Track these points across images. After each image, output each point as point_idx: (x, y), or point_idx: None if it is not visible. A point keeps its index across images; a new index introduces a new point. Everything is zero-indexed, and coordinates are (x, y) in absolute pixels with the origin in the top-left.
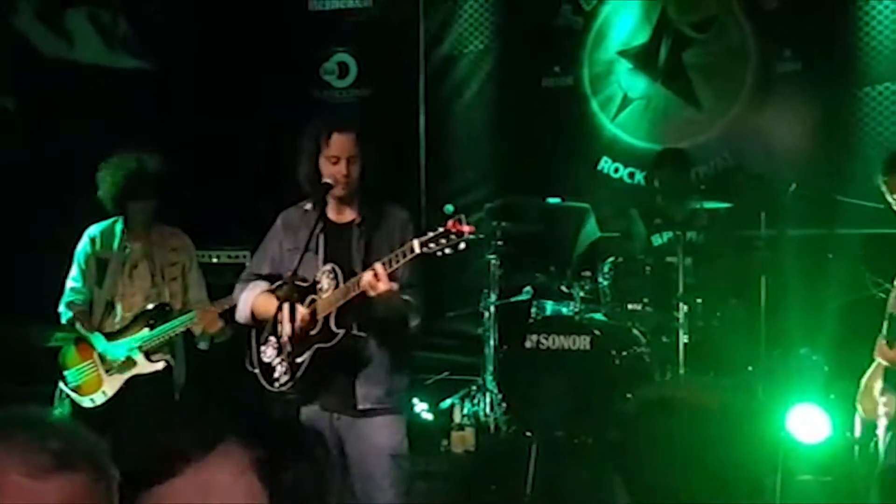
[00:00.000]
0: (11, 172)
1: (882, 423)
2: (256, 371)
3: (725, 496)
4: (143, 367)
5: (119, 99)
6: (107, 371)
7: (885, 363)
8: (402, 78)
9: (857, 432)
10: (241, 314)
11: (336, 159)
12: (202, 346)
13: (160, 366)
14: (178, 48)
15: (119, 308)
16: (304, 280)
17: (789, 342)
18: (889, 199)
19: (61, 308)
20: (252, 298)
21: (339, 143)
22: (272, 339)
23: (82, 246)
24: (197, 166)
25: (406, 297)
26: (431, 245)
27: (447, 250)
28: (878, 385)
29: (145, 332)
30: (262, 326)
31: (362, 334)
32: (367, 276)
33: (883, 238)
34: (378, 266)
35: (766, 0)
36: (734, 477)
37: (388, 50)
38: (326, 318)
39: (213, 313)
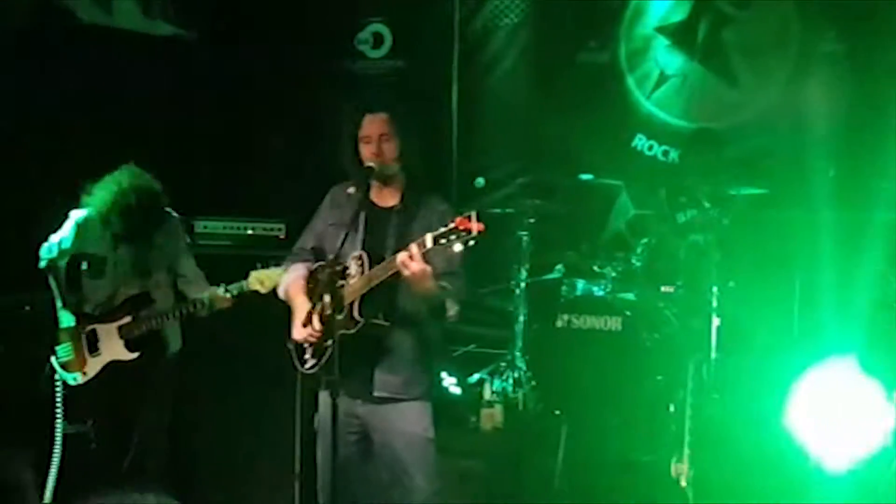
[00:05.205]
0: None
1: None
2: (291, 349)
3: None
4: (122, 354)
5: (155, 66)
6: (90, 352)
7: None
8: (436, 49)
9: None
10: (282, 293)
11: (368, 139)
12: (203, 313)
13: (135, 355)
14: (214, 16)
15: (116, 300)
16: (340, 263)
17: (822, 328)
18: None
19: (42, 253)
20: (290, 280)
21: (370, 124)
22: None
23: (71, 230)
24: (231, 138)
25: (443, 283)
26: (442, 241)
27: (457, 246)
28: None
29: (126, 319)
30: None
31: (384, 323)
32: (402, 255)
33: None
34: (413, 246)
35: None
36: None
37: (423, 21)
38: (352, 305)
39: (228, 300)
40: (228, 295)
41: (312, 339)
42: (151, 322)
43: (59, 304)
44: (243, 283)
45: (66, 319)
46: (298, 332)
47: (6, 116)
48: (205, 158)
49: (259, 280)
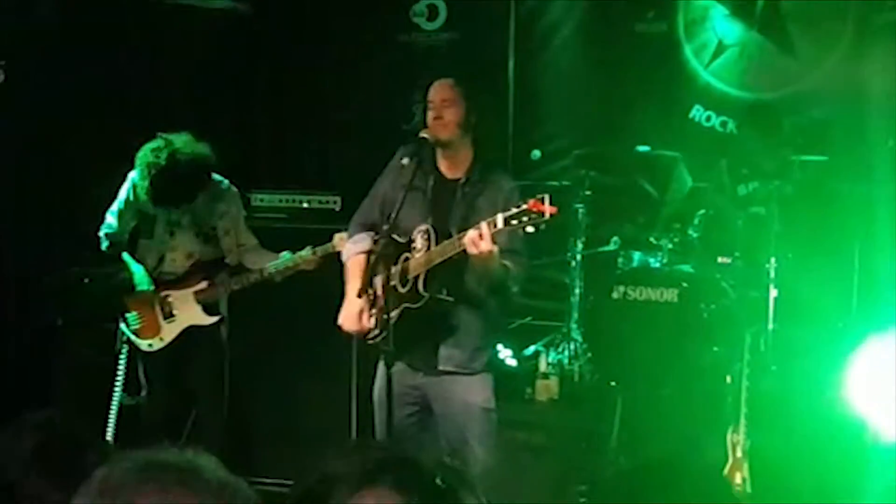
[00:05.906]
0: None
1: None
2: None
3: None
4: (200, 318)
5: (211, 39)
6: (165, 318)
7: None
8: (492, 21)
9: None
10: (344, 258)
11: (431, 105)
12: (277, 279)
13: (216, 318)
14: None
15: (168, 260)
16: (405, 234)
17: (881, 299)
18: None
19: (102, 234)
20: (354, 251)
21: (434, 90)
22: (369, 291)
23: (126, 191)
24: (285, 110)
25: (506, 262)
26: (513, 222)
27: (529, 228)
28: None
29: (203, 285)
30: None
31: (449, 299)
32: (472, 233)
33: None
34: (484, 225)
35: None
36: None
37: None
38: (416, 279)
39: (314, 262)
40: (315, 256)
41: (358, 329)
42: (228, 287)
43: (136, 275)
44: (328, 244)
45: (141, 285)
46: (377, 285)
47: (60, 95)
48: (260, 132)
49: (343, 239)
